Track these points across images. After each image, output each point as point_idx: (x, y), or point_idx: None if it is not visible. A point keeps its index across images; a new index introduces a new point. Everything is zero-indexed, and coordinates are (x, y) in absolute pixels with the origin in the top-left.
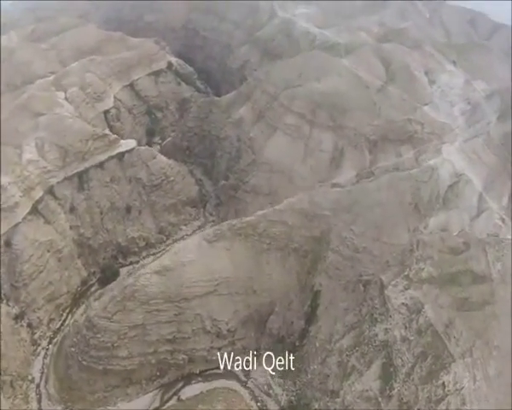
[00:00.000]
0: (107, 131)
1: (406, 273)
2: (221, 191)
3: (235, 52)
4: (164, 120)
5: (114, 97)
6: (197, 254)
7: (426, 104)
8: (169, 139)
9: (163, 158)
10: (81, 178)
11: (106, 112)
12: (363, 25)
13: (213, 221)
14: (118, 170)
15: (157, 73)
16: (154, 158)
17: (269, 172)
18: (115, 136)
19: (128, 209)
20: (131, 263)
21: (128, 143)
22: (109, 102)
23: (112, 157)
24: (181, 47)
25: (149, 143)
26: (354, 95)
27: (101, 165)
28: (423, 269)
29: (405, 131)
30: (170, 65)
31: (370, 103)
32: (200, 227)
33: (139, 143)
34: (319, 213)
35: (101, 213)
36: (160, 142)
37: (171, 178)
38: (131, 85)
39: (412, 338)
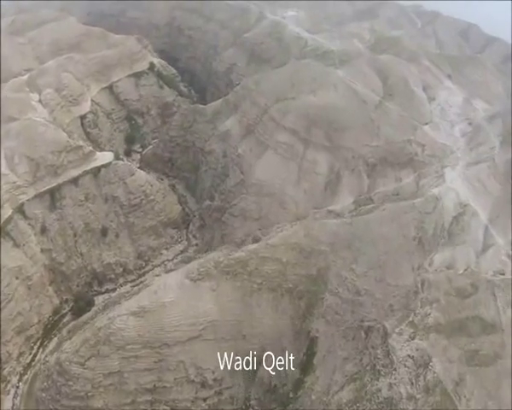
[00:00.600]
0: (81, 142)
1: (411, 319)
2: (206, 212)
3: (221, 54)
4: (145, 127)
5: (92, 101)
6: (179, 293)
7: (426, 123)
8: (150, 148)
9: (142, 174)
10: (53, 196)
11: (82, 117)
12: (354, 31)
13: (197, 245)
14: (93, 187)
15: (138, 75)
16: (133, 175)
17: (258, 194)
18: (90, 148)
19: (104, 232)
20: (107, 291)
21: (104, 157)
22: (86, 106)
23: (86, 172)
24: (164, 45)
25: (129, 152)
26: (351, 111)
27: (74, 181)
28: (429, 314)
29: (405, 153)
30: (152, 66)
31: (368, 121)
32: (182, 251)
33: (117, 153)
34: (316, 248)
35: (75, 236)
36: (140, 150)
37: (151, 197)
38: (110, 88)
39: (419, 396)
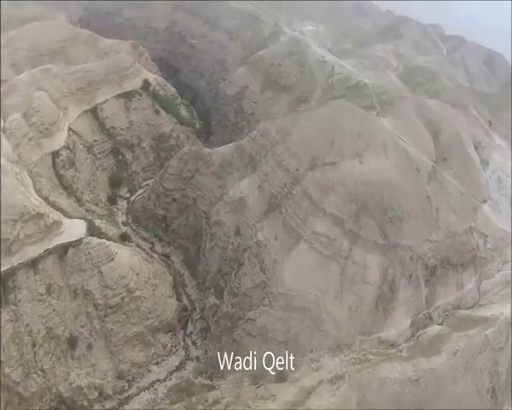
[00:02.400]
0: (42, 207)
1: None
2: (210, 314)
3: (230, 73)
4: (134, 164)
5: (69, 130)
6: None
7: (485, 200)
8: (140, 194)
9: (124, 258)
10: (5, 285)
11: (55, 154)
12: (380, 55)
13: (198, 358)
14: (58, 275)
15: (129, 95)
16: (111, 260)
17: (286, 309)
18: (55, 218)
19: (72, 341)
20: None
21: (74, 228)
22: (61, 139)
23: (49, 252)
24: (163, 53)
25: (113, 198)
26: (407, 188)
27: (33, 264)
28: None
29: (468, 248)
30: (146, 84)
31: (426, 202)
32: (178, 368)
33: (92, 222)
34: None
35: (34, 345)
36: (127, 195)
37: (137, 294)
38: (94, 111)
39: None
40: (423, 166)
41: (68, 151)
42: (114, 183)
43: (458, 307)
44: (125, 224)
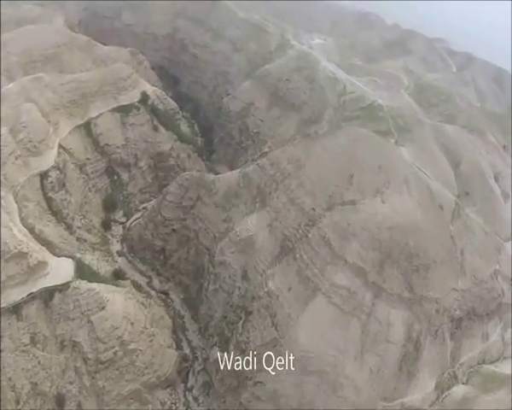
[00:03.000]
0: (25, 245)
1: None
2: (214, 369)
3: (235, 87)
4: (131, 185)
5: (60, 147)
6: None
7: (508, 238)
8: (136, 219)
9: (118, 305)
10: None
11: (43, 175)
12: (389, 71)
13: None
14: (42, 323)
15: (125, 110)
16: (103, 308)
17: (301, 372)
18: (39, 258)
19: (60, 400)
20: None
21: (60, 269)
22: (50, 158)
23: (33, 297)
24: (163, 61)
25: (107, 223)
26: (432, 228)
27: (15, 310)
28: None
29: (493, 296)
30: (144, 97)
31: (451, 245)
32: None
33: (80, 261)
34: None
35: (18, 402)
36: (123, 219)
37: (132, 347)
38: (87, 127)
39: None
40: (446, 202)
41: (58, 172)
42: (109, 206)
43: (483, 362)
44: (119, 253)
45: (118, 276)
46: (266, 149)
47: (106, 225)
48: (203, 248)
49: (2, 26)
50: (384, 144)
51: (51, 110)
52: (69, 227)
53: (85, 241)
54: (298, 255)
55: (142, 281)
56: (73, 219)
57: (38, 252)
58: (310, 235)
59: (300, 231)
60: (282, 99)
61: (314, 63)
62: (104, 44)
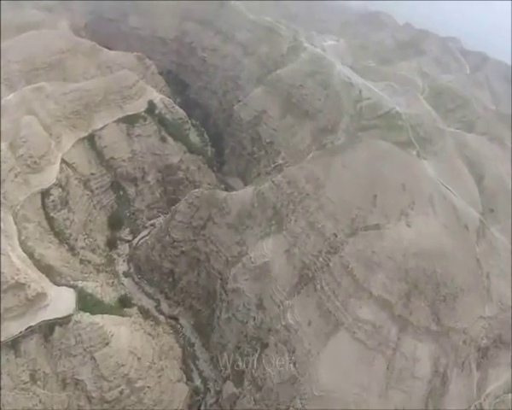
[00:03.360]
0: (23, 275)
1: None
2: (228, 405)
3: (246, 93)
4: (138, 200)
5: (63, 162)
6: None
7: None
8: (143, 241)
9: (122, 339)
10: None
11: (45, 193)
12: (404, 74)
13: None
14: (43, 359)
15: (131, 120)
16: (107, 344)
17: None
18: (37, 289)
19: None
20: None
21: (60, 300)
22: (52, 175)
23: (32, 331)
24: (171, 65)
25: (113, 241)
26: (458, 252)
27: (14, 345)
28: None
29: None
30: (151, 107)
31: (476, 268)
32: None
33: (82, 290)
34: None
35: None
36: (129, 237)
37: (139, 384)
38: (91, 139)
39: None
40: (471, 221)
41: (60, 189)
42: (114, 223)
43: (509, 390)
44: (126, 274)
45: (124, 303)
46: (280, 161)
47: (111, 244)
48: (215, 272)
49: (3, 32)
50: (407, 159)
51: (53, 122)
52: (72, 248)
53: (89, 262)
54: (318, 286)
55: (150, 305)
56: (76, 240)
57: (37, 282)
58: (331, 264)
59: (321, 259)
60: (296, 106)
61: (328, 67)
62: (110, 49)
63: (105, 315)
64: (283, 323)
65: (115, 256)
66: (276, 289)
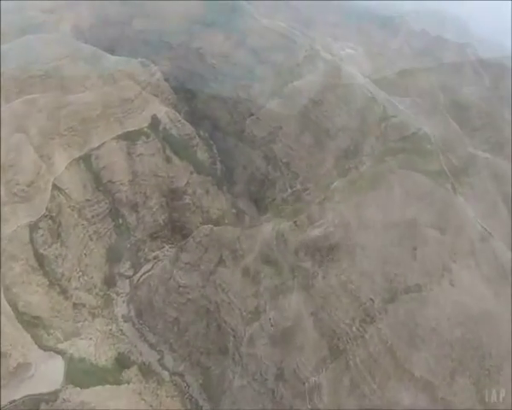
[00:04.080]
0: (3, 343)
1: None
2: None
3: (259, 106)
4: (139, 229)
5: (54, 188)
6: None
7: None
8: (145, 277)
9: None
10: None
11: (33, 226)
12: (425, 87)
13: None
14: None
15: (133, 137)
16: None
17: None
18: (19, 359)
19: None
20: None
21: (47, 370)
22: (42, 204)
23: (15, 406)
24: (178, 71)
25: (111, 278)
26: (502, 311)
27: None
28: None
29: None
30: (155, 122)
31: None
32: None
33: (72, 358)
34: None
35: None
36: (130, 273)
37: None
38: (87, 160)
39: None
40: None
41: (51, 222)
42: (113, 256)
43: None
44: (125, 318)
45: (122, 363)
46: (298, 186)
47: (109, 281)
48: (227, 326)
49: (3, 36)
50: (443, 196)
51: (45, 141)
52: (64, 291)
53: (84, 306)
54: (351, 362)
55: (153, 358)
56: (70, 280)
57: (19, 350)
58: (367, 336)
59: (355, 329)
60: (315, 123)
61: (348, 80)
62: (113, 53)
63: (98, 388)
64: (309, 406)
65: (114, 296)
66: (301, 361)
